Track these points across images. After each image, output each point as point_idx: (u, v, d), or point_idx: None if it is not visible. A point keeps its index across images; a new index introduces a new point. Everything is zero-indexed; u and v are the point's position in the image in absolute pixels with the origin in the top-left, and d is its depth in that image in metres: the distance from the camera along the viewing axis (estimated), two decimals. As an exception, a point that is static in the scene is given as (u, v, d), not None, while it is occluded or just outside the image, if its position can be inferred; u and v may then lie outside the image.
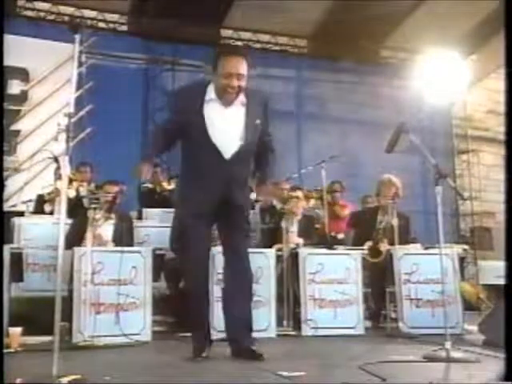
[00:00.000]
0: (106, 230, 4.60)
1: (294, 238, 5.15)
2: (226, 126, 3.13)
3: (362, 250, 4.84)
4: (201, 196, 3.17)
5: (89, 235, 4.14)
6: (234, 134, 3.14)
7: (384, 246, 4.84)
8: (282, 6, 8.25)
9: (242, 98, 3.16)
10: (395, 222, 4.75)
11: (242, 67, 3.10)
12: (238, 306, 3.21)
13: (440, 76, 8.80)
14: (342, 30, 8.67)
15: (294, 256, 4.66)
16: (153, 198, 6.52)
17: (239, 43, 9.01)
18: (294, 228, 5.24)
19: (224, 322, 3.27)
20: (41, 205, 5.50)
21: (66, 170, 2.75)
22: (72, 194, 5.29)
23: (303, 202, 5.49)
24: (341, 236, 6.23)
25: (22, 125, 7.50)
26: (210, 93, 3.14)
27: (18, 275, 3.91)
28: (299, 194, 5.49)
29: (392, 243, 4.74)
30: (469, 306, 4.69)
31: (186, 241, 3.25)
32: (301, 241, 5.14)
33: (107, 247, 4.40)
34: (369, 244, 4.92)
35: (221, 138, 3.11)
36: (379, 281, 4.81)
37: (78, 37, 3.03)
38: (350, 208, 6.46)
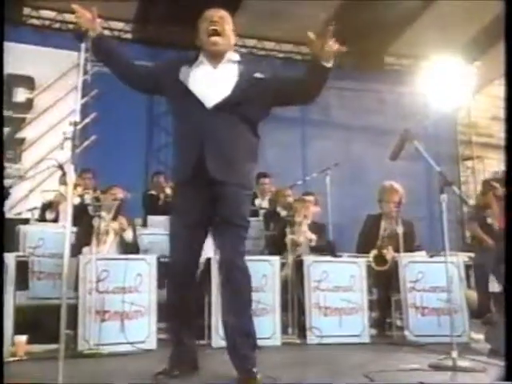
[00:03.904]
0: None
1: (305, 232, 5.13)
2: (212, 81, 2.85)
3: (367, 257, 4.83)
4: (178, 160, 2.90)
5: (94, 243, 4.17)
6: (221, 87, 2.82)
7: (389, 254, 4.84)
8: (286, 13, 8.27)
9: (232, 55, 2.96)
10: (400, 229, 4.75)
11: (219, 13, 2.91)
12: (234, 317, 2.83)
13: (444, 82, 8.81)
14: (345, 37, 8.66)
15: (299, 263, 4.66)
16: (157, 205, 6.55)
17: (244, 50, 9.04)
18: (305, 227, 5.21)
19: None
20: (44, 213, 5.53)
21: (72, 179, 2.76)
22: (76, 201, 5.32)
23: (313, 208, 5.47)
24: None
25: (27, 132, 7.55)
26: (200, 57, 2.94)
27: (23, 283, 3.92)
28: (311, 198, 5.48)
29: (397, 251, 4.73)
30: (475, 314, 4.66)
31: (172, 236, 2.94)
32: (313, 237, 5.12)
33: (113, 254, 4.42)
34: (374, 252, 4.91)
35: (202, 90, 2.80)
36: (384, 288, 4.81)
37: (83, 45, 3.06)
38: None
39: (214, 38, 2.85)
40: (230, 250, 2.80)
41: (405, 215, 5.10)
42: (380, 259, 4.84)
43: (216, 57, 2.90)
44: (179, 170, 2.89)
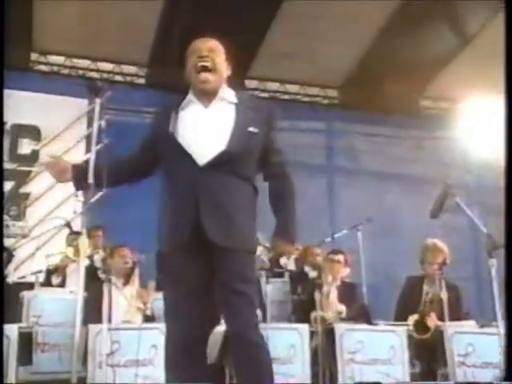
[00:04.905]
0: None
1: (334, 304, 5.09)
2: (204, 127, 2.70)
3: (407, 325, 4.73)
4: (171, 224, 2.71)
5: (104, 311, 4.16)
6: (214, 136, 2.68)
7: (432, 321, 4.74)
8: (310, 55, 8.40)
9: (227, 93, 2.81)
10: (444, 294, 4.66)
11: (207, 45, 2.78)
12: None
13: (486, 125, 8.79)
14: (374, 79, 8.79)
15: (330, 331, 4.58)
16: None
17: (265, 95, 9.13)
18: (333, 295, 5.18)
19: None
20: (50, 277, 5.56)
21: (85, 245, 2.79)
22: (85, 262, 5.32)
23: (343, 268, 5.44)
24: None
25: (33, 187, 7.57)
26: (189, 95, 2.82)
27: (26, 358, 3.90)
28: (340, 257, 5.46)
29: (441, 318, 4.64)
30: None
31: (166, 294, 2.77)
32: (343, 308, 5.08)
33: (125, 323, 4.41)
34: (414, 318, 4.82)
35: (193, 141, 2.67)
36: (428, 361, 4.69)
37: (98, 100, 3.16)
38: None
39: (204, 75, 2.72)
40: (238, 323, 2.60)
41: (449, 275, 5.03)
42: (421, 326, 4.76)
43: (207, 95, 2.77)
44: (173, 233, 2.72)
